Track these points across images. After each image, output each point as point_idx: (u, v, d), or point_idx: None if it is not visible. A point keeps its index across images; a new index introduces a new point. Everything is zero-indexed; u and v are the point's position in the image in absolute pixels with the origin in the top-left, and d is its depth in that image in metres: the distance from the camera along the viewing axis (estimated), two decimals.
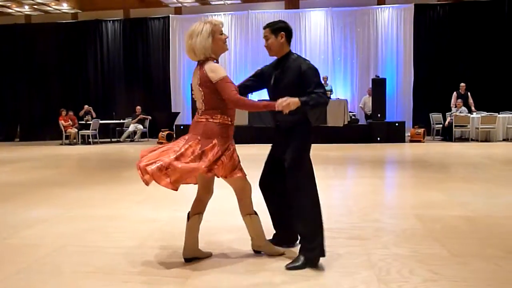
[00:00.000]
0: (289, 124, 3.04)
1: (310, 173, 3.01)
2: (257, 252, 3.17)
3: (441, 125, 12.85)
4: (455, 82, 12.90)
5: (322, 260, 2.95)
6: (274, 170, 3.13)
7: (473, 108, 12.59)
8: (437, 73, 13.78)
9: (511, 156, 9.41)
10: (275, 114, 3.04)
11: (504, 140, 12.00)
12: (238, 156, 2.98)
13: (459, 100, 12.46)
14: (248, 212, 3.06)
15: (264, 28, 3.18)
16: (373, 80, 12.68)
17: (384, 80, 12.52)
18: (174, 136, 12.69)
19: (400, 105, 14.13)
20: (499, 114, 12.07)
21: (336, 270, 2.87)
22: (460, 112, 12.17)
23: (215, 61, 2.94)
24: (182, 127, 12.74)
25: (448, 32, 13.76)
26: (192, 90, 3.05)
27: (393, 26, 14.25)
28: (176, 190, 2.72)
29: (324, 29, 14.46)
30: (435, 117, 13.14)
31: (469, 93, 12.76)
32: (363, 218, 4.17)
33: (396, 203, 5.17)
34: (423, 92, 13.81)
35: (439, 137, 12.88)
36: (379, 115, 12.24)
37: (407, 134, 12.43)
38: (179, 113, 14.56)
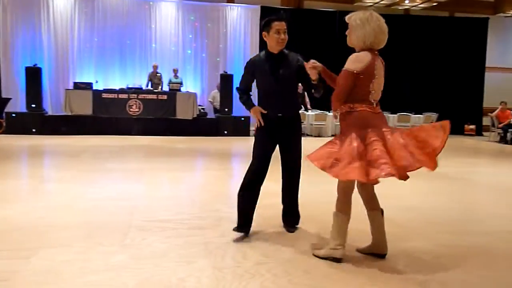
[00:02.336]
0: (291, 117, 3.46)
1: None
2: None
3: None
4: None
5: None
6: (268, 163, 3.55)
7: (308, 106, 13.86)
8: None
9: None
10: (279, 106, 3.36)
11: (332, 135, 13.49)
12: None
13: None
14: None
15: (283, 20, 3.55)
16: (221, 75, 13.05)
17: (231, 76, 12.97)
18: (4, 124, 11.27)
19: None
20: (328, 112, 13.52)
21: (173, 260, 2.90)
22: None
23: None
24: (14, 115, 11.40)
25: (290, 36, 14.80)
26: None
27: (241, 24, 14.83)
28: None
29: (175, 21, 14.36)
30: None
31: (305, 93, 13.99)
32: (204, 209, 4.29)
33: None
34: None
35: None
36: (226, 109, 12.65)
37: (252, 128, 13.12)
38: (10, 98, 12.95)
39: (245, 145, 10.77)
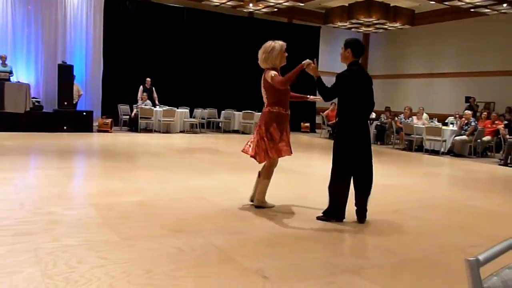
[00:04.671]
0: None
1: None
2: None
3: (128, 116, 13.34)
4: (142, 76, 13.63)
5: None
6: None
7: (156, 102, 13.60)
8: (125, 66, 14.18)
9: (185, 146, 10.67)
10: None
11: (180, 132, 13.49)
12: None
13: (145, 94, 13.23)
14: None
15: None
16: (59, 65, 11.97)
17: (71, 67, 12.01)
18: None
19: (89, 94, 13.86)
20: (177, 108, 13.47)
21: None
22: (145, 105, 12.93)
23: None
24: None
25: (136, 28, 14.35)
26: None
27: (83, 12, 13.79)
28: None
29: (2, 2, 12.66)
30: (123, 108, 13.54)
31: (153, 88, 13.71)
32: (35, 212, 3.88)
33: (76, 193, 5.06)
34: (112, 83, 13.97)
35: (126, 127, 13.34)
36: (65, 103, 11.67)
37: (95, 124, 12.35)
38: None
39: (87, 141, 10.08)
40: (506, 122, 11.63)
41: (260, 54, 4.35)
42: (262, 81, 4.31)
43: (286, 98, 4.35)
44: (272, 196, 4.57)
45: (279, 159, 4.38)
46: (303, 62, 4.04)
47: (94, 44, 13.88)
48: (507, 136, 10.29)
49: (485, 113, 12.23)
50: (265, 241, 3.44)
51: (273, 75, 4.22)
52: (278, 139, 4.22)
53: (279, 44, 4.35)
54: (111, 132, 12.16)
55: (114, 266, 2.75)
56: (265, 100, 4.38)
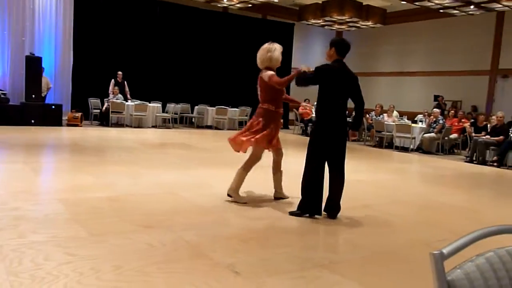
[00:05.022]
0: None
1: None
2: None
3: (99, 110, 13.07)
4: (113, 69, 13.36)
5: None
6: None
7: (128, 96, 13.37)
8: (96, 59, 13.87)
9: (157, 141, 10.55)
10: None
11: (153, 126, 13.32)
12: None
13: (116, 88, 12.98)
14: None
15: None
16: (27, 57, 11.61)
17: (40, 58, 11.66)
18: None
19: (58, 87, 13.49)
20: (149, 103, 13.29)
21: None
22: (116, 99, 12.69)
23: None
24: None
25: (108, 20, 14.06)
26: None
27: (52, 2, 13.39)
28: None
29: None
30: (94, 102, 13.25)
31: (125, 82, 13.47)
32: (0, 208, 3.76)
33: (44, 188, 4.93)
34: (82, 76, 13.64)
35: (96, 121, 13.07)
36: (33, 95, 11.34)
37: (65, 117, 12.05)
38: None
39: (56, 135, 9.84)
40: (472, 120, 11.98)
41: (263, 53, 4.47)
42: (258, 80, 4.48)
43: (279, 97, 4.52)
44: (245, 191, 4.57)
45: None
46: (300, 67, 4.21)
47: (64, 36, 13.50)
48: (473, 134, 10.60)
49: (452, 111, 12.58)
50: (237, 237, 3.43)
51: (270, 75, 4.38)
52: (262, 131, 4.39)
53: (279, 46, 4.56)
54: (81, 126, 11.89)
55: (82, 263, 2.69)
56: (259, 97, 4.58)
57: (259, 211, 4.28)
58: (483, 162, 9.65)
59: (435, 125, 11.33)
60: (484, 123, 10.93)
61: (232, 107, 14.74)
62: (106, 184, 5.03)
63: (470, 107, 14.13)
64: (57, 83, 13.46)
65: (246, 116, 14.95)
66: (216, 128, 14.23)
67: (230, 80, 16.01)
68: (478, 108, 14.40)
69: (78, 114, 12.04)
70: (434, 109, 12.21)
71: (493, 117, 10.50)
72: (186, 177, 5.83)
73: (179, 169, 6.34)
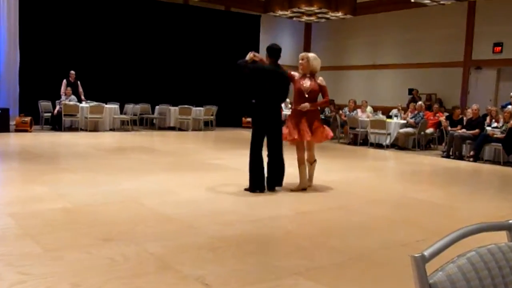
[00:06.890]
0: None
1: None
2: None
3: (50, 114, 12.73)
4: (65, 69, 13.04)
5: None
6: None
7: (82, 97, 13.07)
8: (46, 58, 13.50)
9: (115, 145, 10.37)
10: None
11: (110, 129, 13.08)
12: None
13: (69, 88, 12.68)
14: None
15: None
16: None
17: None
18: None
19: (4, 90, 13.05)
20: (106, 104, 13.04)
21: None
22: (69, 101, 12.40)
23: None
24: None
25: (58, 15, 13.70)
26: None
27: None
28: None
29: None
30: (44, 105, 12.89)
31: (79, 82, 13.17)
32: None
33: None
34: (31, 77, 13.25)
35: (48, 126, 12.72)
36: None
37: (12, 122, 11.67)
38: None
39: (3, 142, 9.51)
40: (447, 114, 12.34)
41: (312, 59, 5.52)
42: (314, 85, 5.52)
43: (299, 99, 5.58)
44: (212, 198, 4.54)
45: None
46: (250, 53, 5.52)
47: (9, 34, 13.06)
48: (449, 128, 10.92)
49: (428, 103, 12.91)
50: (206, 246, 3.41)
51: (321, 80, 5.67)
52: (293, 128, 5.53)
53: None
54: (31, 132, 11.55)
55: (36, 282, 2.61)
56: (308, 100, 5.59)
57: (227, 217, 4.27)
58: (460, 157, 9.96)
59: (416, 119, 11.46)
60: (460, 116, 11.27)
61: (196, 106, 14.63)
62: (60, 194, 4.90)
63: (437, 101, 14.58)
64: (2, 85, 13.01)
65: (212, 115, 14.89)
66: (180, 130, 14.10)
67: (194, 77, 15.90)
68: (443, 102, 14.84)
69: (27, 119, 11.69)
70: (419, 103, 12.51)
71: (469, 110, 10.84)
72: (148, 183, 5.75)
73: (140, 176, 6.24)
